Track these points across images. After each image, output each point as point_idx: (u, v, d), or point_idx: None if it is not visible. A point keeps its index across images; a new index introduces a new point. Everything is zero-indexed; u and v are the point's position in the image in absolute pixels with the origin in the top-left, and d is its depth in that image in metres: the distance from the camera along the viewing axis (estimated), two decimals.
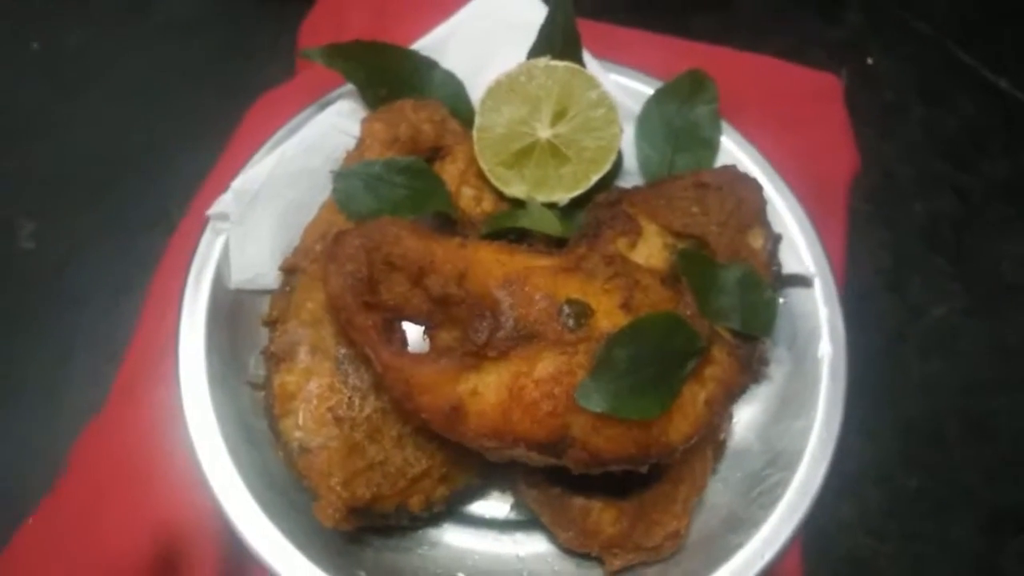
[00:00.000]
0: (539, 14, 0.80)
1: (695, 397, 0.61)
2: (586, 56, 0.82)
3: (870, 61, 1.03)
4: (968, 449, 0.85)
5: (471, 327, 0.61)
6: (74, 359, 0.86)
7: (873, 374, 0.83)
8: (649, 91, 0.84)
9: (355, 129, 0.79)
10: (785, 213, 0.78)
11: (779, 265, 0.75)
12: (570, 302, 0.61)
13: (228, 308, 0.73)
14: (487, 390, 0.58)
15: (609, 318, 0.61)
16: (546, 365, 0.59)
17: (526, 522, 0.70)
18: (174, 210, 0.90)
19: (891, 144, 0.99)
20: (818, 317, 0.74)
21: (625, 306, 0.61)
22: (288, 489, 0.66)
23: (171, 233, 0.81)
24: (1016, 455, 0.85)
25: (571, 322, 0.60)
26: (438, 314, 0.63)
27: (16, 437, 0.82)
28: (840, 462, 0.69)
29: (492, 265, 0.62)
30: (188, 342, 0.70)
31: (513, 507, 0.71)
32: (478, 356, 0.59)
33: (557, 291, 0.61)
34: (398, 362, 0.60)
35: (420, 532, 0.68)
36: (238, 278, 0.74)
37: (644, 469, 0.61)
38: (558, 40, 0.78)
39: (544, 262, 0.63)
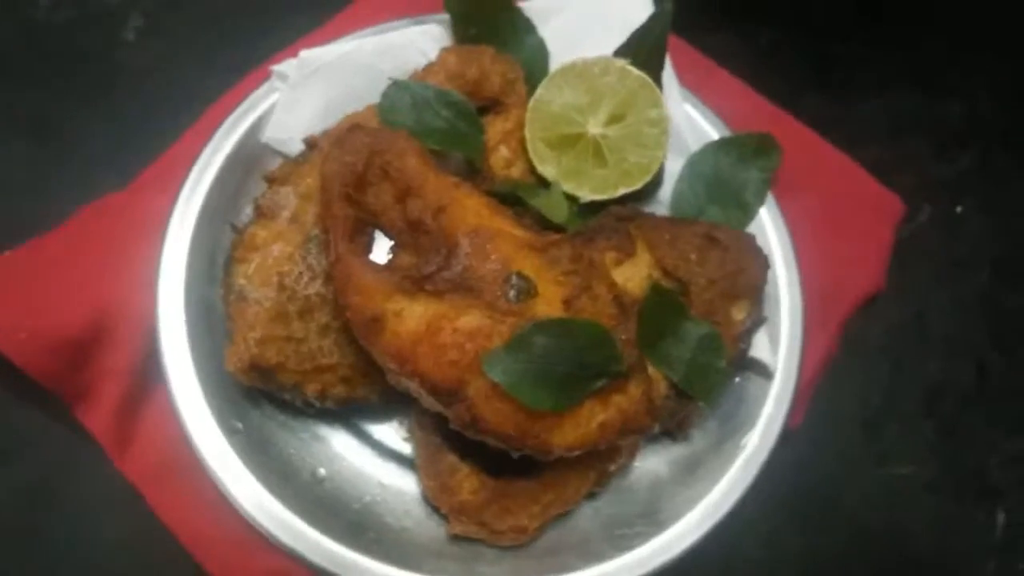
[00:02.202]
0: (644, 16, 0.81)
1: (592, 414, 0.62)
2: (671, 76, 0.83)
3: (959, 210, 0.99)
4: None
5: (424, 257, 0.63)
6: (131, 141, 0.90)
7: (785, 489, 0.81)
8: (715, 136, 0.84)
9: (433, 54, 0.82)
10: (783, 302, 0.77)
11: (748, 345, 0.74)
12: (520, 276, 0.62)
13: (250, 156, 0.78)
14: (410, 317, 0.61)
15: (548, 306, 0.62)
16: (470, 319, 0.61)
17: (406, 459, 0.72)
18: (262, 58, 0.94)
19: (940, 296, 0.95)
20: (761, 410, 0.73)
21: (567, 303, 0.63)
22: (216, 332, 0.71)
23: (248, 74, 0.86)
24: None
25: (512, 293, 0.62)
26: (407, 235, 0.66)
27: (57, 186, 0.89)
28: (714, 547, 0.68)
29: (470, 212, 0.64)
30: (202, 168, 0.76)
31: (405, 440, 0.73)
32: (417, 284, 0.62)
33: (514, 261, 0.63)
34: (349, 258, 0.63)
35: (312, 422, 0.72)
36: (270, 134, 0.79)
37: (515, 455, 0.62)
38: (644, 50, 0.79)
39: (517, 232, 0.65)
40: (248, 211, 0.76)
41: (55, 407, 0.72)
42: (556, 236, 0.66)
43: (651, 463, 0.73)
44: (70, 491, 0.75)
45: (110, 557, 0.73)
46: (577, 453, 0.63)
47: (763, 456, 0.71)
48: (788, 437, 0.76)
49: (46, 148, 0.92)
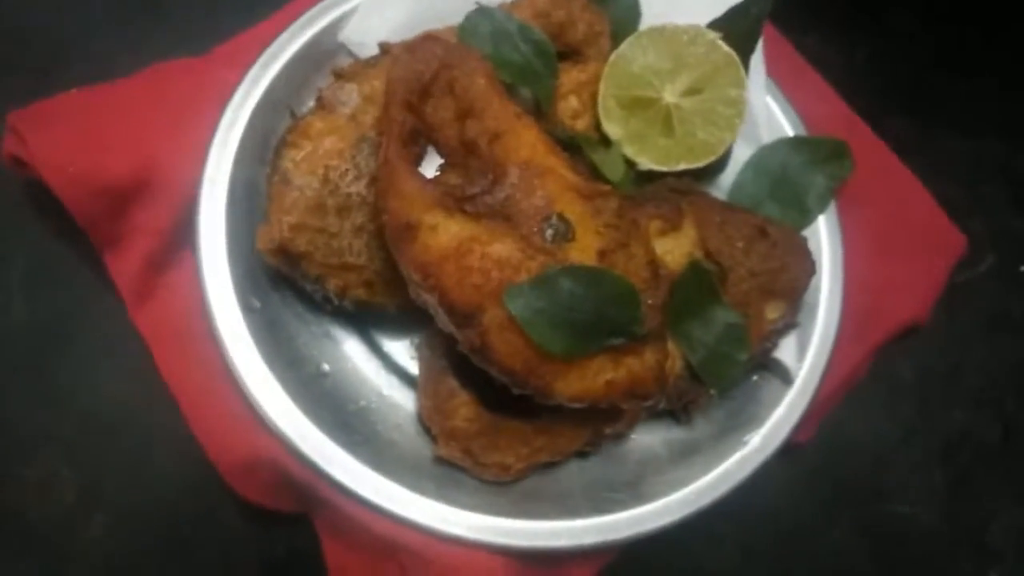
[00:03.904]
0: None
1: (601, 369, 0.61)
2: (759, 63, 0.80)
3: (1023, 269, 0.95)
4: None
5: (470, 178, 0.63)
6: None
7: (775, 502, 0.79)
8: (790, 132, 0.81)
9: None
10: (820, 311, 0.75)
11: (774, 346, 0.72)
12: (560, 217, 0.61)
13: (324, 51, 0.78)
14: (444, 232, 0.60)
15: (582, 253, 0.61)
16: (502, 248, 0.60)
17: (409, 377, 0.72)
18: None
19: (980, 349, 0.91)
20: (772, 412, 0.71)
21: (602, 255, 0.61)
22: (254, 214, 0.71)
23: None
24: None
25: (549, 232, 0.61)
26: (458, 155, 0.66)
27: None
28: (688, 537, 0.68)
29: (525, 145, 0.63)
30: (275, 52, 0.76)
31: (412, 359, 0.73)
32: (458, 202, 0.61)
33: (558, 202, 0.62)
34: (396, 162, 0.62)
35: (327, 320, 0.72)
36: (348, 35, 0.79)
37: (516, 391, 0.62)
38: (739, 28, 0.76)
39: (568, 174, 0.63)
40: (310, 104, 0.77)
41: (87, 250, 0.74)
42: (606, 187, 0.65)
43: (648, 438, 0.72)
44: (82, 337, 0.76)
45: (108, 409, 0.74)
46: (577, 406, 0.62)
47: (762, 457, 0.70)
48: (792, 452, 0.74)
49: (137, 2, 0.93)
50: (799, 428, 0.72)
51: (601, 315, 0.60)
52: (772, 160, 0.80)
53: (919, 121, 1.00)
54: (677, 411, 0.72)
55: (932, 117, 1.01)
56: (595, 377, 0.61)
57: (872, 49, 1.02)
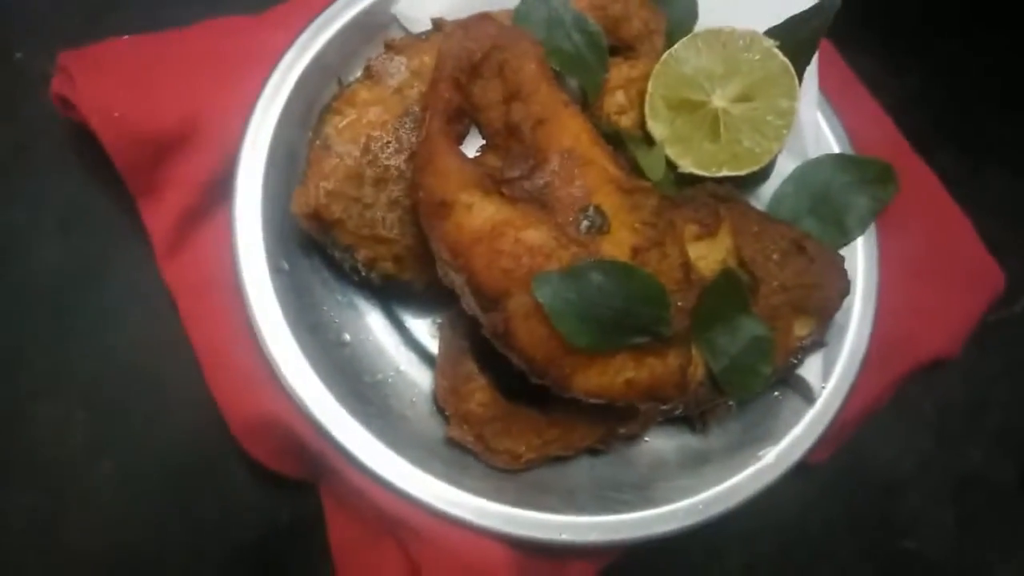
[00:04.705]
0: (807, 5, 0.77)
1: (622, 367, 0.60)
2: (812, 76, 0.79)
3: None
4: None
5: (510, 161, 0.62)
6: None
7: (781, 520, 0.78)
8: (837, 150, 0.80)
9: None
10: (850, 334, 0.74)
11: (799, 363, 0.71)
12: (597, 209, 0.61)
13: (376, 22, 0.77)
14: (479, 213, 0.60)
15: (615, 248, 0.60)
16: (536, 235, 0.59)
17: (429, 356, 0.72)
18: None
19: (1007, 391, 0.90)
20: (790, 430, 0.70)
21: (635, 251, 0.61)
22: (293, 177, 0.71)
23: None
24: None
25: (584, 223, 0.60)
26: (501, 137, 0.65)
27: None
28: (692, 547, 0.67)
29: (569, 134, 0.63)
30: (328, 19, 0.75)
31: (434, 338, 0.73)
32: (496, 184, 0.61)
33: (597, 193, 0.61)
34: (438, 138, 0.62)
35: (353, 290, 0.72)
36: (402, 8, 0.78)
37: (534, 380, 0.61)
38: (797, 39, 0.75)
39: (609, 167, 0.63)
40: (358, 74, 0.77)
41: (123, 197, 0.74)
42: (646, 184, 0.64)
43: (660, 443, 0.72)
44: (110, 283, 0.76)
45: (128, 357, 0.75)
46: (594, 401, 0.61)
47: (774, 474, 0.69)
48: (805, 471, 0.73)
49: None
50: (815, 449, 0.71)
51: (628, 312, 0.59)
52: (816, 176, 0.79)
53: (967, 153, 0.98)
54: (694, 418, 0.71)
55: (980, 151, 0.99)
56: (616, 374, 0.60)
57: (926, 76, 1.00)
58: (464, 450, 0.66)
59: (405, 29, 0.79)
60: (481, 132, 0.67)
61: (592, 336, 0.59)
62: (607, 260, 0.59)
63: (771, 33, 0.76)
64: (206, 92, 0.74)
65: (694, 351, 0.67)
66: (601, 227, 0.60)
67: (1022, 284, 0.91)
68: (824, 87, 0.82)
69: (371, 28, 0.78)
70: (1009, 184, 0.98)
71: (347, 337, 0.70)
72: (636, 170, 0.72)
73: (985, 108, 1.01)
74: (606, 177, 0.62)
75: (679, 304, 0.61)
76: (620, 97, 0.79)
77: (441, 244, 0.61)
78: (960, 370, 0.87)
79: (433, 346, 0.72)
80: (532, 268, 0.59)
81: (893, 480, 0.83)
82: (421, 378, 0.71)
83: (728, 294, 0.68)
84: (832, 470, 0.78)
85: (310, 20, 0.76)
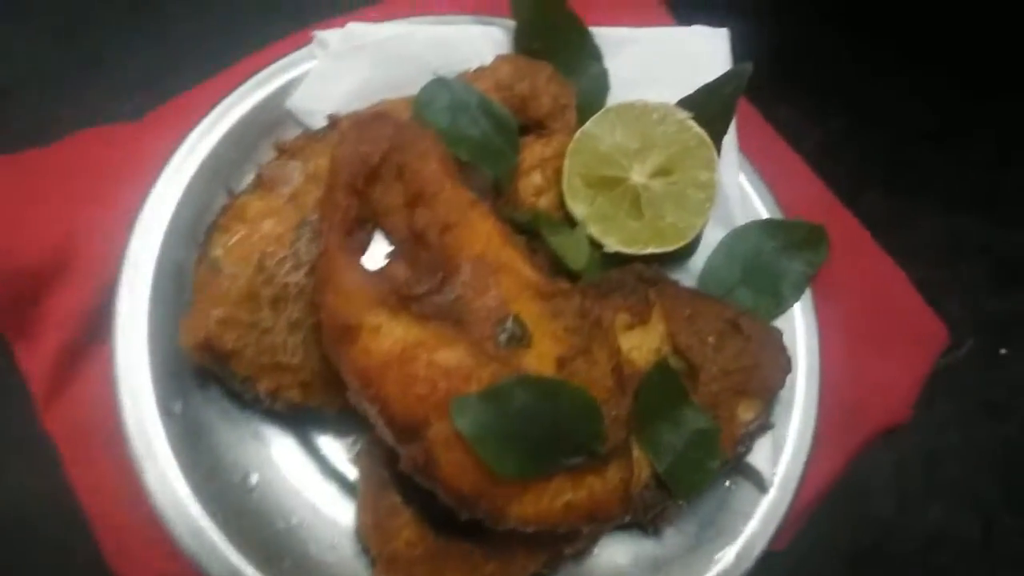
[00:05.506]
0: (719, 72, 0.74)
1: (559, 491, 0.55)
2: (732, 139, 0.76)
3: (1003, 352, 0.91)
4: None
5: (418, 274, 0.57)
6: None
7: None
8: (764, 214, 0.77)
9: (488, 58, 0.76)
10: (796, 412, 0.70)
11: (748, 449, 0.67)
12: (516, 320, 0.56)
13: (268, 120, 0.72)
14: (387, 335, 0.54)
15: (539, 360, 0.55)
16: (451, 355, 0.54)
17: (350, 484, 0.65)
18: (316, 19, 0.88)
19: (958, 438, 0.87)
20: (745, 525, 0.66)
21: (561, 362, 0.56)
22: (182, 300, 0.64)
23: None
24: None
25: (503, 337, 0.55)
26: (408, 244, 0.60)
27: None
28: None
29: (480, 237, 0.58)
30: (214, 120, 0.70)
31: (351, 461, 0.66)
32: (403, 302, 0.55)
33: (514, 302, 0.56)
34: (337, 254, 0.56)
35: (258, 417, 0.65)
36: (296, 102, 0.73)
37: (463, 517, 0.55)
38: (711, 108, 0.72)
39: (526, 270, 0.58)
40: (252, 177, 0.71)
41: None
42: (567, 285, 0.59)
43: (613, 552, 0.66)
44: None
45: (12, 514, 0.67)
46: (533, 529, 0.56)
47: (736, 573, 0.64)
48: (766, 559, 0.69)
49: (79, 55, 0.87)
50: (775, 539, 0.67)
51: (559, 432, 0.54)
52: (745, 244, 0.75)
53: (896, 195, 0.97)
54: (645, 523, 0.66)
55: (909, 191, 0.98)
56: (553, 499, 0.55)
57: (848, 120, 0.99)
58: None
59: (301, 124, 0.73)
60: (386, 239, 0.61)
61: (521, 463, 0.53)
62: (531, 376, 0.54)
63: (685, 103, 0.73)
64: (82, 212, 0.67)
65: (636, 451, 0.62)
66: (522, 339, 0.55)
67: (962, 325, 0.90)
68: (744, 147, 0.79)
69: (264, 126, 0.72)
70: (938, 222, 0.97)
71: (254, 480, 0.62)
72: (556, 263, 0.68)
73: (908, 146, 1.01)
74: (523, 283, 0.57)
75: (614, 414, 0.56)
76: (536, 178, 0.75)
77: (348, 372, 0.55)
78: (911, 423, 0.84)
79: (354, 472, 0.65)
80: (450, 392, 0.53)
81: (856, 554, 0.79)
82: (342, 513, 0.64)
83: (665, 387, 0.64)
84: (795, 553, 0.73)
85: (195, 121, 0.70)
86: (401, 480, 0.60)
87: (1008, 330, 0.92)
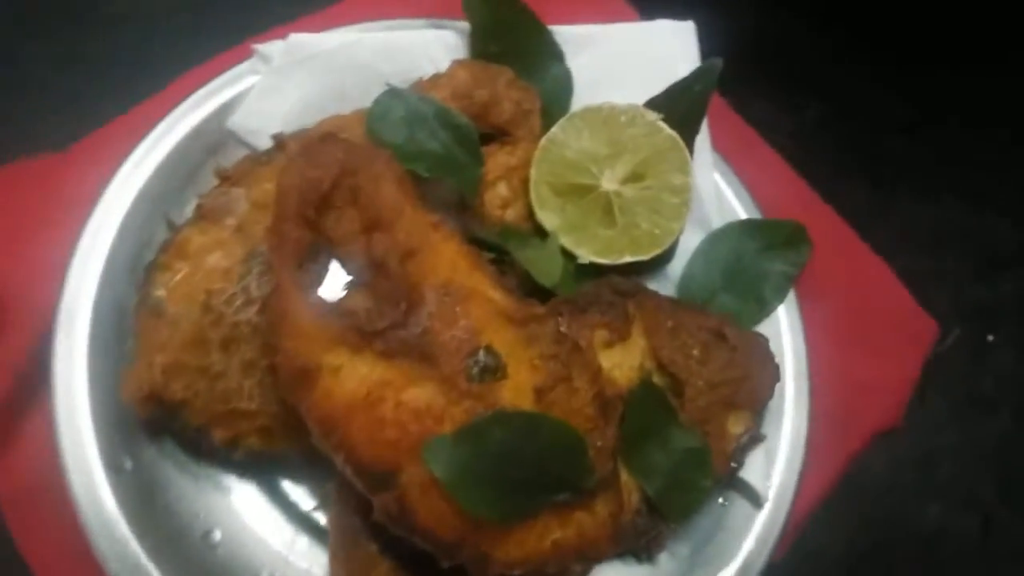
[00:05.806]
0: (687, 69, 0.71)
1: (546, 530, 0.51)
2: (705, 139, 0.73)
3: (990, 339, 0.89)
4: None
5: (380, 307, 0.53)
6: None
7: None
8: (742, 215, 0.74)
9: (443, 65, 0.72)
10: (787, 421, 0.67)
11: (740, 464, 0.64)
12: (488, 351, 0.52)
13: (209, 142, 0.68)
14: (349, 376, 0.50)
15: (516, 393, 0.52)
16: (420, 394, 0.50)
17: (321, 531, 0.61)
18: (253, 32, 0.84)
19: (952, 434, 0.85)
20: (742, 544, 0.63)
21: (540, 393, 0.52)
22: (125, 345, 0.59)
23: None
24: None
25: (475, 370, 0.51)
26: (366, 273, 0.55)
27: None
28: None
29: (444, 263, 0.54)
30: (151, 146, 0.65)
31: (317, 508, 0.62)
32: (365, 339, 0.51)
33: (485, 331, 0.52)
34: (290, 290, 0.52)
35: (217, 466, 0.61)
36: (238, 122, 0.68)
37: (445, 565, 0.51)
38: (682, 107, 0.68)
39: (496, 296, 0.54)
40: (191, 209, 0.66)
41: None
42: (540, 309, 0.55)
43: None
44: None
45: None
46: (520, 572, 0.52)
47: None
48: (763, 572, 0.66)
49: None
50: (774, 554, 0.64)
51: (541, 470, 0.50)
52: (724, 247, 0.72)
53: (876, 184, 0.95)
54: (638, 551, 0.63)
55: (890, 180, 0.96)
56: (539, 540, 0.51)
57: (822, 109, 0.96)
58: None
59: (245, 145, 0.69)
60: (343, 269, 0.57)
61: (503, 505, 0.49)
62: (508, 412, 0.50)
63: (654, 104, 0.69)
64: (7, 257, 0.62)
65: (624, 476, 0.59)
66: (496, 371, 0.51)
67: (949, 315, 0.88)
68: (719, 146, 0.75)
69: (204, 149, 0.68)
70: (920, 210, 0.95)
71: (217, 536, 0.58)
72: (527, 280, 0.63)
73: (886, 134, 0.98)
74: (493, 309, 0.53)
75: (599, 444, 0.53)
76: (502, 189, 0.70)
77: (310, 419, 0.51)
78: (905, 420, 0.82)
79: (324, 517, 0.61)
80: (421, 434, 0.49)
81: (854, 561, 0.77)
82: (314, 563, 0.59)
83: (651, 407, 0.60)
84: (790, 567, 0.70)
85: (128, 150, 0.65)
86: (376, 527, 0.56)
87: (993, 317, 0.90)
